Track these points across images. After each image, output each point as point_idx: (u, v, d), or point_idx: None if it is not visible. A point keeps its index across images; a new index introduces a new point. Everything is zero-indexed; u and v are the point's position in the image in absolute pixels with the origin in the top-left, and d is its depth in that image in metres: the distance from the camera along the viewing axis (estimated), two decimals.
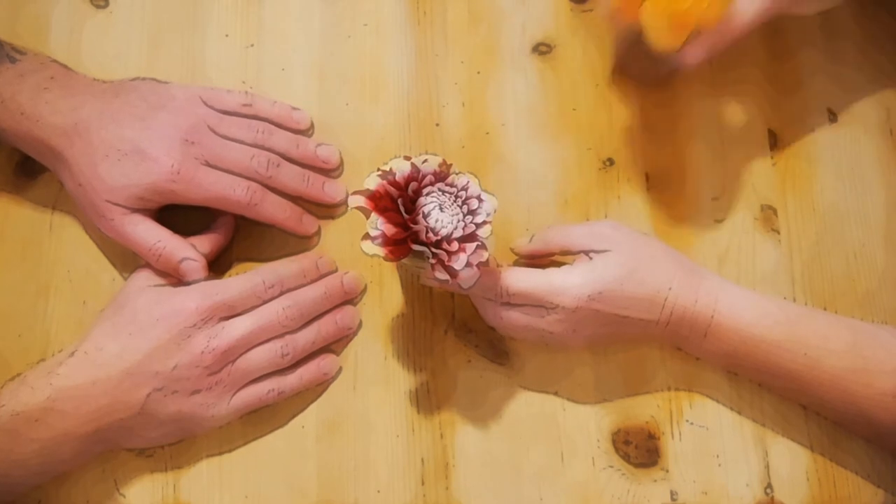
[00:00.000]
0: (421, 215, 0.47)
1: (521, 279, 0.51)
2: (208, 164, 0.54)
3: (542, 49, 0.63)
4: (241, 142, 0.56)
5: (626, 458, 0.56)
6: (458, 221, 0.48)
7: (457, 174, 0.49)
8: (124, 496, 0.54)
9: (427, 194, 0.48)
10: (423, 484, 0.55)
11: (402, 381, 0.57)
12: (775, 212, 0.60)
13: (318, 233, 0.59)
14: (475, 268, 0.48)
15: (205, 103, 0.56)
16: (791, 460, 0.56)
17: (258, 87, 0.61)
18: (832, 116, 0.62)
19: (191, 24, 0.62)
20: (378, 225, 0.47)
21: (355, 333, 0.57)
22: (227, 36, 0.62)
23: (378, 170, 0.48)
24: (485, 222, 0.48)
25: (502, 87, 0.62)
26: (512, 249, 0.57)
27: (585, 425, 0.56)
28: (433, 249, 0.47)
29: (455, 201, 0.48)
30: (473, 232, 0.48)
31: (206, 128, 0.55)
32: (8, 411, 0.49)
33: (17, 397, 0.49)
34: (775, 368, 0.53)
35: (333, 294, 0.56)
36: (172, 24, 0.62)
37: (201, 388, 0.52)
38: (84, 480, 0.54)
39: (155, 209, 0.55)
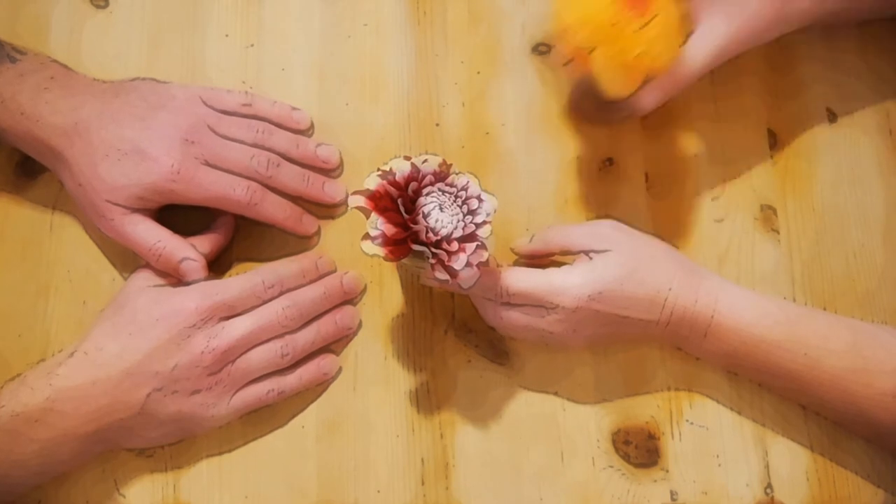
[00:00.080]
0: (421, 215, 0.47)
1: (521, 279, 0.51)
2: (208, 164, 0.54)
3: (541, 49, 0.63)
4: (241, 142, 0.56)
5: (626, 458, 0.56)
6: (458, 221, 0.48)
7: (457, 174, 0.49)
8: (124, 496, 0.54)
9: (427, 194, 0.48)
10: (423, 484, 0.55)
11: (402, 381, 0.57)
12: (775, 212, 0.60)
13: (317, 233, 0.59)
14: (475, 268, 0.48)
15: (205, 103, 0.56)
16: (791, 460, 0.56)
17: (258, 87, 0.61)
18: (832, 116, 0.62)
19: (191, 24, 0.62)
20: (378, 225, 0.47)
21: (355, 333, 0.57)
22: (227, 36, 0.62)
23: (378, 170, 0.48)
24: (485, 222, 0.48)
25: (502, 87, 0.62)
26: (512, 249, 0.57)
27: (585, 425, 0.56)
28: (433, 249, 0.47)
29: (455, 201, 0.48)
30: (473, 232, 0.48)
31: (206, 127, 0.55)
32: (8, 412, 0.49)
33: (16, 398, 0.49)
34: (775, 368, 0.53)
35: (333, 294, 0.56)
36: (172, 24, 0.62)
37: (201, 388, 0.52)
38: (84, 480, 0.54)
39: (155, 209, 0.55)
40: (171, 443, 0.54)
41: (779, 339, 0.52)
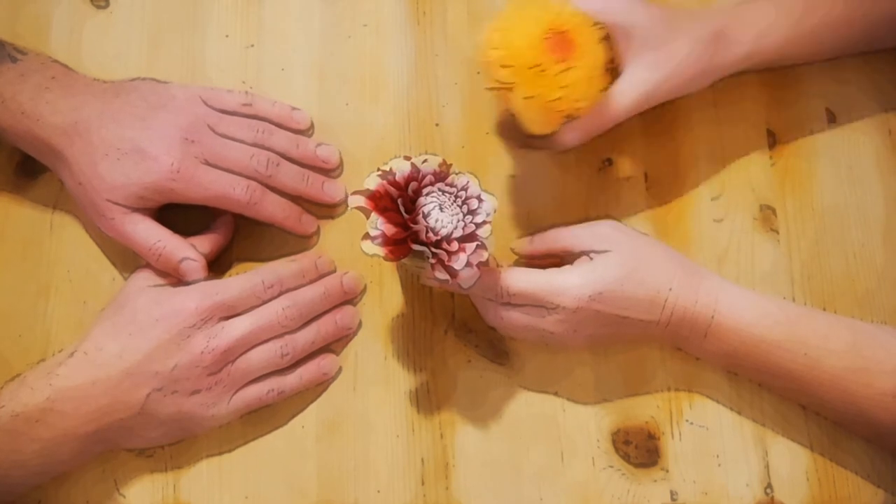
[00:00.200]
0: (421, 215, 0.47)
1: (521, 279, 0.51)
2: (208, 163, 0.54)
3: None
4: (241, 141, 0.56)
5: (626, 458, 0.56)
6: (458, 221, 0.48)
7: (457, 174, 0.49)
8: (124, 496, 0.54)
9: (427, 194, 0.48)
10: (423, 484, 0.55)
11: (402, 381, 0.57)
12: (774, 212, 0.60)
13: (317, 232, 0.59)
14: (475, 268, 0.48)
15: (205, 103, 0.56)
16: (791, 460, 0.56)
17: (258, 87, 0.61)
18: (831, 117, 0.62)
19: (191, 24, 0.62)
20: (378, 225, 0.47)
21: (355, 333, 0.57)
22: (227, 36, 0.62)
23: (378, 170, 0.48)
24: (485, 222, 0.48)
25: None
26: (512, 249, 0.57)
27: (585, 425, 0.56)
28: (433, 249, 0.47)
29: (455, 201, 0.48)
30: (473, 232, 0.48)
31: (206, 127, 0.55)
32: (8, 412, 0.49)
33: (16, 398, 0.49)
34: (775, 368, 0.53)
35: (333, 294, 0.56)
36: (172, 24, 0.62)
37: (201, 388, 0.52)
38: (84, 480, 0.54)
39: (155, 208, 0.55)
40: (171, 443, 0.54)
41: (779, 339, 0.52)
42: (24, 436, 0.49)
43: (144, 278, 0.54)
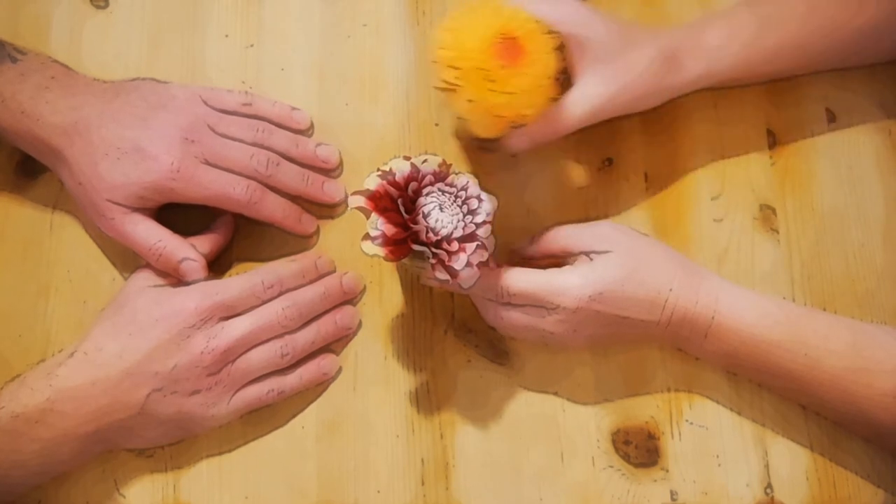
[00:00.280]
0: (421, 215, 0.47)
1: (521, 279, 0.51)
2: (208, 163, 0.54)
3: None
4: (241, 141, 0.56)
5: (626, 458, 0.56)
6: (458, 221, 0.48)
7: (457, 174, 0.49)
8: (124, 496, 0.54)
9: (427, 194, 0.48)
10: (423, 484, 0.55)
11: (402, 381, 0.57)
12: (774, 211, 0.60)
13: (317, 232, 0.59)
14: (475, 268, 0.48)
15: (205, 103, 0.56)
16: (791, 460, 0.56)
17: (258, 87, 0.61)
18: (831, 117, 0.62)
19: (191, 24, 0.62)
20: (378, 225, 0.47)
21: (355, 333, 0.57)
22: (227, 36, 0.62)
23: (378, 170, 0.48)
24: (485, 222, 0.48)
25: None
26: (512, 250, 0.57)
27: (585, 425, 0.56)
28: (433, 249, 0.47)
29: (455, 201, 0.48)
30: (473, 232, 0.48)
31: (206, 127, 0.55)
32: (8, 413, 0.49)
33: (16, 398, 0.49)
34: (775, 368, 0.53)
35: (333, 294, 0.56)
36: (172, 24, 0.62)
37: (201, 388, 0.52)
38: (84, 480, 0.54)
39: (155, 208, 0.55)
40: (171, 443, 0.54)
41: (779, 340, 0.52)
42: (24, 436, 0.49)
43: (144, 278, 0.54)
